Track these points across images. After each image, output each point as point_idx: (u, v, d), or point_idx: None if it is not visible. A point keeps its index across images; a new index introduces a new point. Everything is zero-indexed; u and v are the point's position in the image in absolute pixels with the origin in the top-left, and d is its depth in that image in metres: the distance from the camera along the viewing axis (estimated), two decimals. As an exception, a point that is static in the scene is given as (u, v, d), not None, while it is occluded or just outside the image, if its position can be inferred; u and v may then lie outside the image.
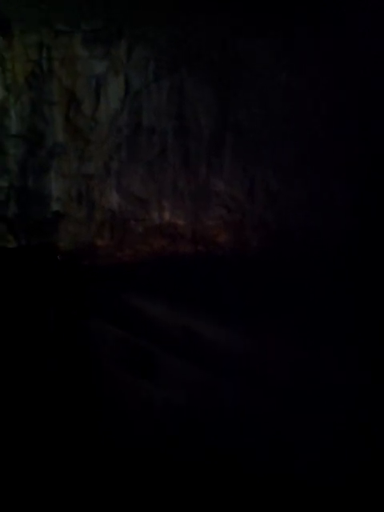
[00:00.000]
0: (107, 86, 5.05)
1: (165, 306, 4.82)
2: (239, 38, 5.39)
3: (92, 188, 5.26)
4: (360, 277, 5.51)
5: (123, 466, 3.35)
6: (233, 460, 3.42)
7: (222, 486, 3.31)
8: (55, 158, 5.08)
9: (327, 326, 4.69)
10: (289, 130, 5.89)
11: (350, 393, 3.80)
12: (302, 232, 6.17)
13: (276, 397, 3.80)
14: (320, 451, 3.40)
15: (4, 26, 4.45)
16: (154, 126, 5.32)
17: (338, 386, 3.87)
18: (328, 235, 6.22)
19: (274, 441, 3.51)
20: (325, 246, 6.17)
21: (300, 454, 3.43)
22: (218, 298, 5.16)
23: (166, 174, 5.51)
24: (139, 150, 5.31)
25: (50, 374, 3.97)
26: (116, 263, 5.23)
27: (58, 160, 5.09)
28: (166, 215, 5.58)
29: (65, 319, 4.36)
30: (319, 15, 5.53)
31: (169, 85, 5.25)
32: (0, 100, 4.74)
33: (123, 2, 4.62)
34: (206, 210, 5.78)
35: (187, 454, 3.48)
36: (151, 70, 5.15)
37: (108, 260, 5.22)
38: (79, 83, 4.96)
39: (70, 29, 4.73)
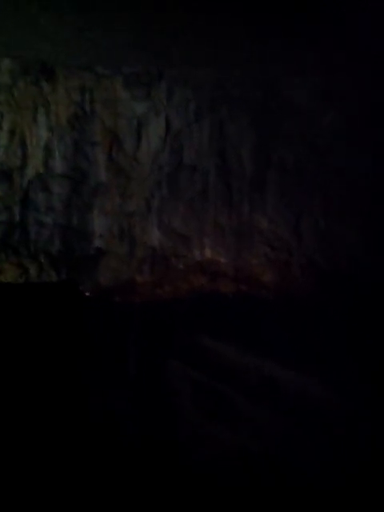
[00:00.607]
0: (148, 126, 5.22)
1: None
2: (280, 78, 5.44)
3: (133, 225, 5.37)
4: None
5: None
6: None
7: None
8: (98, 196, 5.25)
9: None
10: (335, 167, 5.82)
11: None
12: (353, 272, 5.97)
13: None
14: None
15: (48, 72, 4.74)
16: (195, 165, 5.41)
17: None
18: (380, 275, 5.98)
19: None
20: (378, 287, 5.92)
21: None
22: (258, 336, 5.00)
23: (207, 211, 5.55)
24: (180, 187, 5.40)
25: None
26: (155, 300, 5.24)
27: (101, 198, 5.26)
28: (207, 252, 5.58)
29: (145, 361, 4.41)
30: (356, 54, 5.51)
31: (209, 124, 5.36)
32: (45, 141, 4.99)
33: (163, 45, 4.79)
34: (248, 247, 5.73)
35: (265, 501, 3.40)
36: (191, 111, 5.30)
37: (147, 297, 5.24)
38: (121, 124, 5.16)
39: (112, 72, 4.96)
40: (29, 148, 5.09)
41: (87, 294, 4.99)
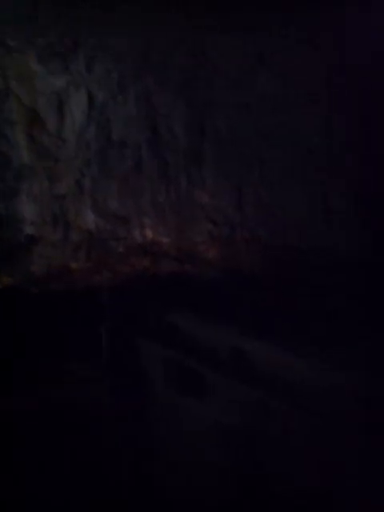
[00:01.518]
0: (69, 101, 4.86)
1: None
2: (207, 42, 5.19)
3: (66, 209, 5.00)
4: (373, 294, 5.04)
5: (174, 486, 3.43)
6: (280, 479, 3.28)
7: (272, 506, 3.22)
8: (24, 180, 4.85)
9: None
10: (275, 139, 5.61)
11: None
12: (298, 244, 5.79)
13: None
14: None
15: None
16: (124, 139, 5.08)
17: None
18: (334, 251, 5.82)
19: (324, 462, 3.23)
20: (330, 263, 5.76)
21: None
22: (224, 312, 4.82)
23: (143, 188, 5.23)
24: (111, 164, 5.06)
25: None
26: (94, 286, 4.91)
27: (28, 182, 4.86)
28: (148, 233, 5.27)
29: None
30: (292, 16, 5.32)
31: (135, 95, 5.05)
32: None
33: (78, 11, 4.47)
34: (190, 225, 5.45)
35: (237, 473, 3.42)
36: (115, 82, 4.97)
37: (85, 283, 4.89)
38: (40, 101, 4.78)
39: (23, 45, 4.59)
40: None
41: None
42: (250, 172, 5.59)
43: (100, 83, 4.94)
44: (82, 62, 4.85)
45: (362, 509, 3.01)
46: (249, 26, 5.31)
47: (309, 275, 5.63)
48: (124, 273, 5.03)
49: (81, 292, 4.89)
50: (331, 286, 5.34)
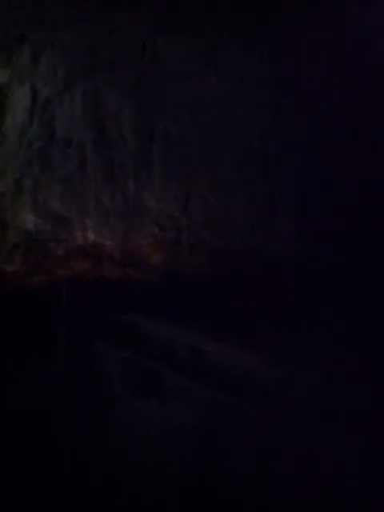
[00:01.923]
0: (12, 96, 4.68)
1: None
2: (157, 41, 5.09)
3: (4, 208, 4.82)
4: (309, 297, 5.05)
5: (132, 486, 3.38)
6: (244, 479, 3.29)
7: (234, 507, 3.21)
8: (-39, 177, 4.65)
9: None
10: (223, 141, 5.57)
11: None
12: (246, 251, 5.77)
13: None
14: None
15: None
16: (69, 138, 4.94)
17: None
18: (275, 254, 5.83)
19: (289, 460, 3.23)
20: (273, 266, 5.77)
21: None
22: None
23: (88, 189, 5.09)
24: (54, 164, 4.91)
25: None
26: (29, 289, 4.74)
27: (-35, 179, 4.66)
28: (91, 235, 5.13)
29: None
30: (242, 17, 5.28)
31: (82, 93, 4.91)
32: None
33: (25, 5, 4.30)
34: (136, 228, 5.35)
35: (198, 474, 3.41)
36: (61, 78, 4.81)
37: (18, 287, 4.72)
38: (-20, 95, 4.59)
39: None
40: None
41: None
42: (197, 175, 5.52)
43: (45, 79, 4.78)
44: (28, 56, 4.68)
45: (316, 501, 3.04)
46: (199, 28, 5.24)
47: (250, 277, 5.60)
48: (62, 276, 4.88)
49: (14, 294, 4.70)
50: (271, 287, 5.34)
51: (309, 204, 5.79)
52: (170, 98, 5.36)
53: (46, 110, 4.76)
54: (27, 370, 4.40)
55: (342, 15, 5.34)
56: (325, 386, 3.32)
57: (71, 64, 4.79)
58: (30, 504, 3.58)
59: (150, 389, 3.95)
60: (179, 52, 5.27)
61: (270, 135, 5.58)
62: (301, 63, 5.58)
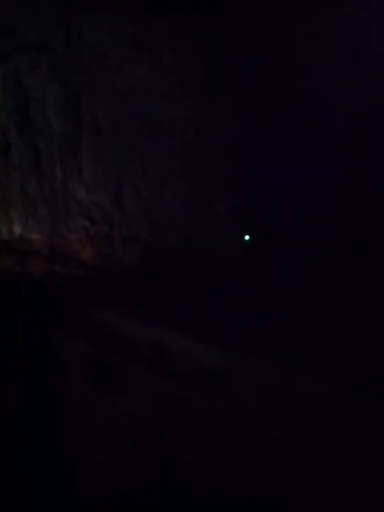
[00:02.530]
0: None
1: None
2: (81, 23, 4.75)
3: None
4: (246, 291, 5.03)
5: (91, 480, 3.42)
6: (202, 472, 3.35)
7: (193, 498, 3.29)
8: None
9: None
10: (152, 125, 5.30)
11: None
12: (181, 245, 5.53)
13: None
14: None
15: None
16: (-10, 122, 4.49)
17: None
18: (211, 248, 5.64)
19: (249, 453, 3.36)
20: (208, 261, 5.57)
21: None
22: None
23: (12, 178, 4.64)
24: (-26, 149, 4.43)
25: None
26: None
27: None
28: (16, 228, 4.68)
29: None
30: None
31: (3, 76, 4.48)
32: None
33: None
34: (65, 221, 4.95)
35: (155, 467, 3.46)
36: (-20, 58, 4.36)
37: None
38: None
39: None
40: None
41: None
42: (130, 166, 5.22)
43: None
44: None
45: (267, 489, 3.23)
46: (131, 12, 4.97)
47: (187, 272, 5.39)
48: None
49: None
50: (209, 281, 5.19)
51: (247, 199, 5.66)
52: (99, 82, 5.04)
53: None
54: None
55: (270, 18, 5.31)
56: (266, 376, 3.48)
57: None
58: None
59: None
60: (108, 35, 4.97)
61: (206, 126, 5.38)
62: (235, 55, 5.45)
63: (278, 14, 5.30)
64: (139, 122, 5.15)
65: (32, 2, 4.61)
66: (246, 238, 5.61)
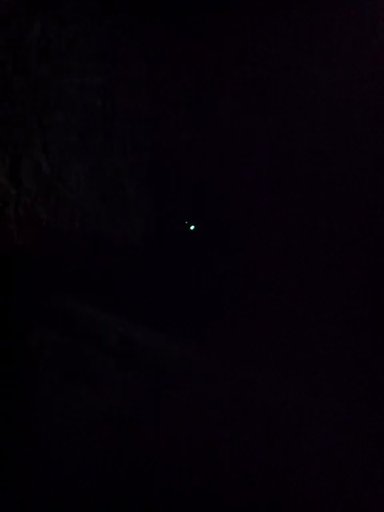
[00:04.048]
0: None
1: None
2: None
3: None
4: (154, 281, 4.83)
5: (59, 472, 3.32)
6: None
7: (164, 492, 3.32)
8: None
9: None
10: (52, 92, 4.77)
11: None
12: (85, 231, 5.03)
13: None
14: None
15: None
16: None
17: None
18: (118, 236, 5.19)
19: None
20: (114, 249, 5.13)
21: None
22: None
23: None
24: None
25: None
26: None
27: None
28: None
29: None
30: None
31: None
32: None
33: None
34: None
35: (125, 459, 3.49)
36: None
37: None
38: None
39: None
40: None
41: None
42: (30, 138, 4.65)
43: None
44: None
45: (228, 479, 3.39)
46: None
47: (92, 259, 4.95)
48: None
49: None
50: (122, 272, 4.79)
51: (158, 185, 5.29)
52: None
53: None
54: None
55: None
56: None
57: None
58: None
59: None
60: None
61: (117, 97, 4.92)
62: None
63: None
64: (40, 87, 4.60)
65: None
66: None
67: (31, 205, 4.71)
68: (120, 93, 4.98)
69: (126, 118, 5.04)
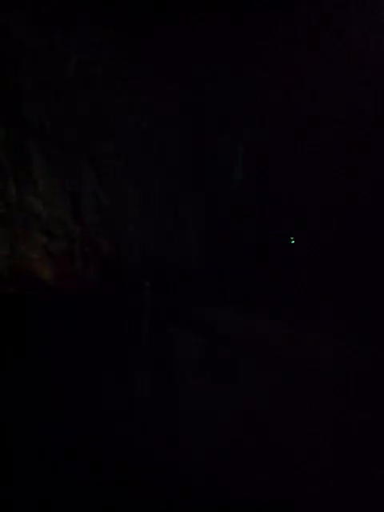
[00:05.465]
0: None
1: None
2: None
3: None
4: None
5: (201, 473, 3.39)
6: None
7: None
8: None
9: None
10: (106, 130, 4.82)
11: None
12: (145, 259, 5.10)
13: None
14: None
15: None
16: None
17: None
18: (175, 263, 5.27)
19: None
20: (173, 275, 5.21)
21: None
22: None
23: None
24: None
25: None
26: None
27: None
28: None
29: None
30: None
31: None
32: None
33: None
34: (24, 239, 4.32)
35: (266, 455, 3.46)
36: None
37: None
38: None
39: None
40: None
41: None
42: (84, 172, 4.70)
43: None
44: None
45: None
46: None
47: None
48: None
49: None
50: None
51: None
52: (35, 81, 4.47)
53: None
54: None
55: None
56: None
57: None
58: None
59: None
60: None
61: (160, 117, 5.00)
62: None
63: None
64: (85, 118, 4.65)
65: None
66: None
67: (95, 239, 4.76)
68: (160, 112, 5.03)
69: (173, 139, 5.10)
